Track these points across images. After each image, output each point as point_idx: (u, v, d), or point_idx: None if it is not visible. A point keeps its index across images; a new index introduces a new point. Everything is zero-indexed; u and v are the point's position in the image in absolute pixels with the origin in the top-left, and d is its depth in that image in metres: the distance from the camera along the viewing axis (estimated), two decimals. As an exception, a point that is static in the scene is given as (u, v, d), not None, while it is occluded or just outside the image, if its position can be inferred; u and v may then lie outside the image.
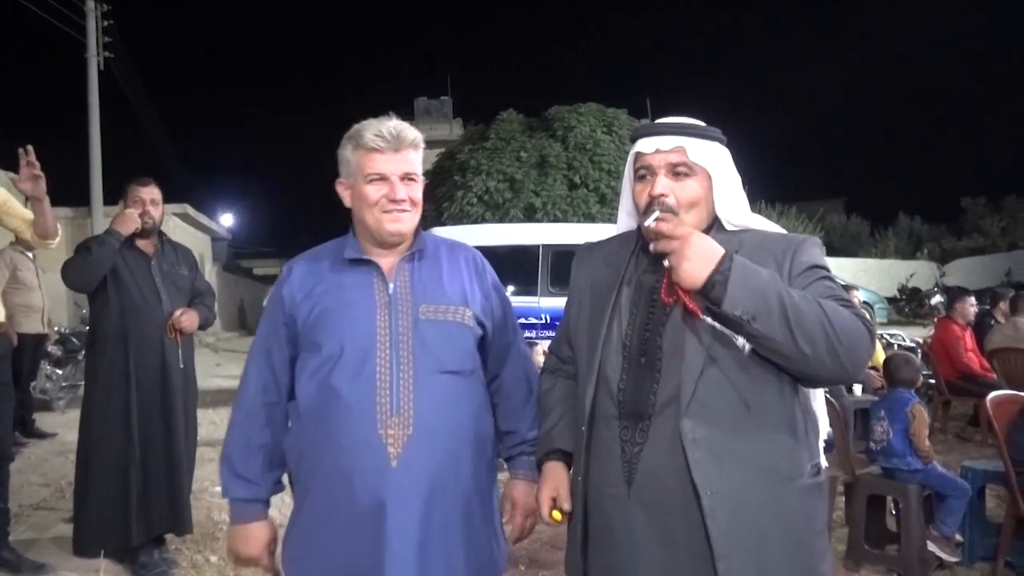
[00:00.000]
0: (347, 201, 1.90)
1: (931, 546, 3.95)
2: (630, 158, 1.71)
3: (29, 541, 4.25)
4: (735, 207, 1.68)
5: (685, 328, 1.54)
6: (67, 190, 17.24)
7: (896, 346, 8.13)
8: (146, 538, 3.76)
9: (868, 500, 4.16)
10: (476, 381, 1.85)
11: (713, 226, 1.67)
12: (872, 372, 6.65)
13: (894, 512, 4.28)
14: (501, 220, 15.82)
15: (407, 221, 1.84)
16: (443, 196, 17.40)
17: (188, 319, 3.85)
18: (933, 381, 7.35)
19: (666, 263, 1.49)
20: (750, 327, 1.42)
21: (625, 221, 1.81)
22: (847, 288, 7.42)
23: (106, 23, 18.88)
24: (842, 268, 21.86)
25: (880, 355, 6.94)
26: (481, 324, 1.88)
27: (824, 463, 1.64)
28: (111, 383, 3.76)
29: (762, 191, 27.60)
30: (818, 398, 1.69)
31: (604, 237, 1.88)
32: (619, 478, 1.57)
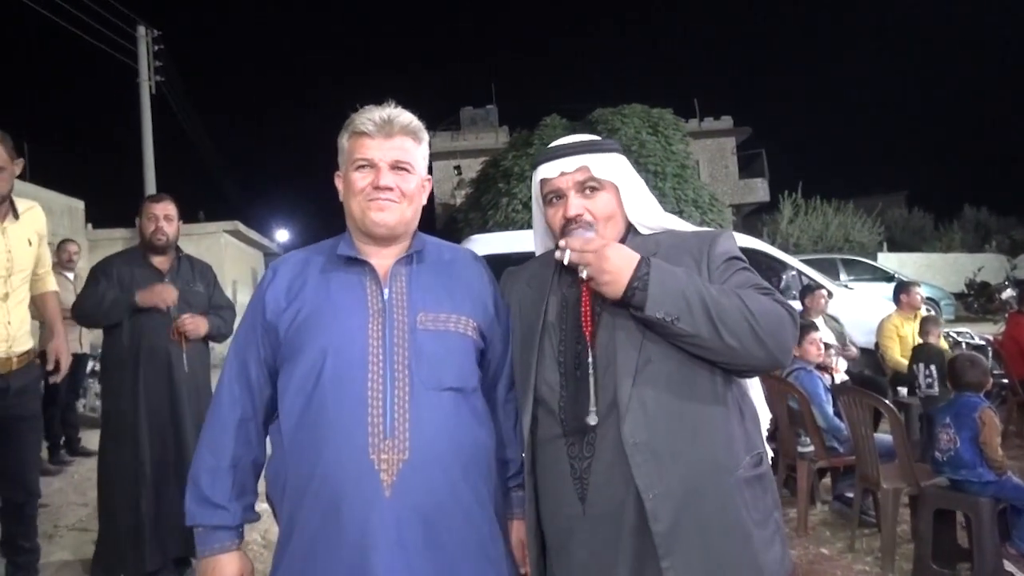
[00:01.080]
0: (341, 194, 1.79)
1: (1008, 565, 3.66)
2: (535, 186, 1.75)
3: (63, 563, 4.26)
4: (646, 211, 1.72)
5: (615, 334, 1.56)
6: (124, 211, 17.83)
7: (964, 344, 7.72)
8: (162, 562, 3.64)
9: (935, 515, 3.88)
10: (478, 399, 1.70)
11: (629, 233, 1.71)
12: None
13: (965, 527, 4.01)
14: (547, 226, 15.67)
15: (393, 212, 1.70)
16: (488, 204, 17.43)
17: (193, 323, 3.74)
18: (1006, 381, 6.97)
19: (583, 274, 1.54)
20: (674, 327, 1.47)
21: (542, 243, 1.85)
22: (910, 284, 7.10)
23: (156, 48, 19.47)
24: (904, 264, 21.12)
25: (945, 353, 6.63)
26: (482, 336, 1.74)
27: (769, 452, 1.67)
28: (120, 404, 3.69)
29: (818, 187, 26.97)
30: (754, 387, 1.72)
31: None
32: (572, 496, 1.57)
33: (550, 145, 1.74)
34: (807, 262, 9.94)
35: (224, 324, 3.95)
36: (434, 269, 1.76)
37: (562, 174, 1.67)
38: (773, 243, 19.92)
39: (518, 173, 17.14)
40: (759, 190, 31.56)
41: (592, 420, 1.54)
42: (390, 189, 1.69)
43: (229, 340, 2.13)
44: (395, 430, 1.55)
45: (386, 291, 1.68)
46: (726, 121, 32.64)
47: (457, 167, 30.33)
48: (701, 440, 1.51)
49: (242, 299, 19.88)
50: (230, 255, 19.23)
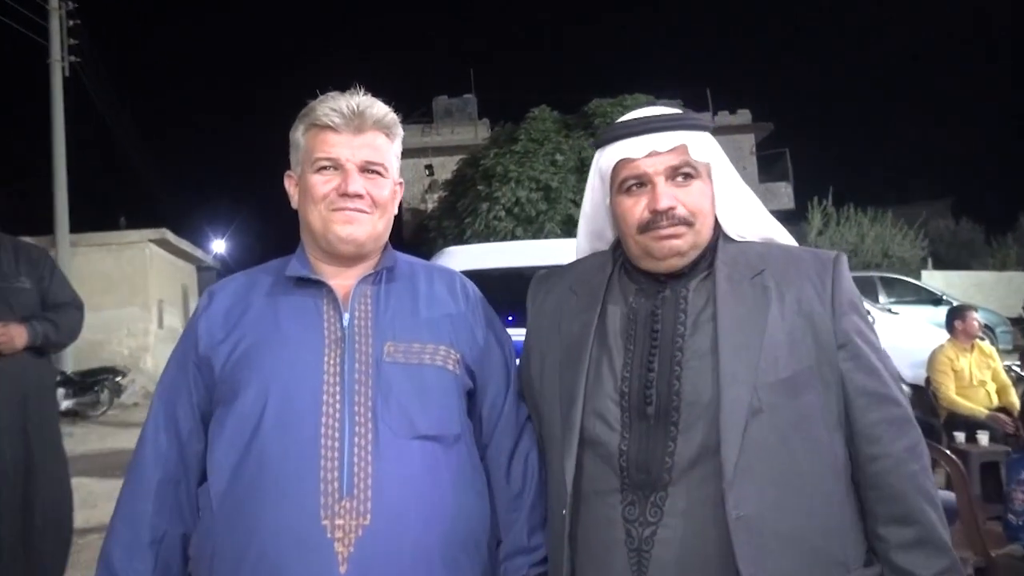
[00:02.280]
0: (294, 200, 1.74)
1: (1095, 650, 3.59)
2: (604, 167, 1.67)
3: None
4: (742, 209, 1.66)
5: (716, 363, 1.47)
6: (29, 216, 17.60)
7: (1029, 380, 7.70)
8: None
9: (1008, 589, 3.80)
10: (463, 451, 1.63)
11: (718, 236, 1.64)
12: (1001, 415, 6.27)
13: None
14: (535, 236, 15.73)
15: (364, 224, 1.65)
16: (466, 209, 17.40)
17: (5, 335, 3.28)
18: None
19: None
20: None
21: (589, 245, 1.79)
22: (965, 309, 7.06)
23: (71, 23, 19.33)
24: (952, 283, 21.28)
25: (1013, 393, 6.57)
26: (470, 372, 1.68)
27: None
28: None
29: (851, 193, 27.19)
30: None
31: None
32: (625, 571, 1.46)
33: (628, 116, 1.65)
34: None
35: (57, 329, 3.54)
36: (407, 289, 1.71)
37: (652, 154, 1.57)
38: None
39: (501, 174, 17.14)
40: (782, 196, 31.80)
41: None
42: (360, 197, 1.64)
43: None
44: (354, 488, 1.49)
45: (346, 316, 1.62)
46: (743, 116, 32.94)
47: (428, 166, 30.36)
48: (816, 523, 1.44)
49: (170, 322, 19.71)
50: (156, 269, 19.05)
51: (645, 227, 1.57)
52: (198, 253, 23.15)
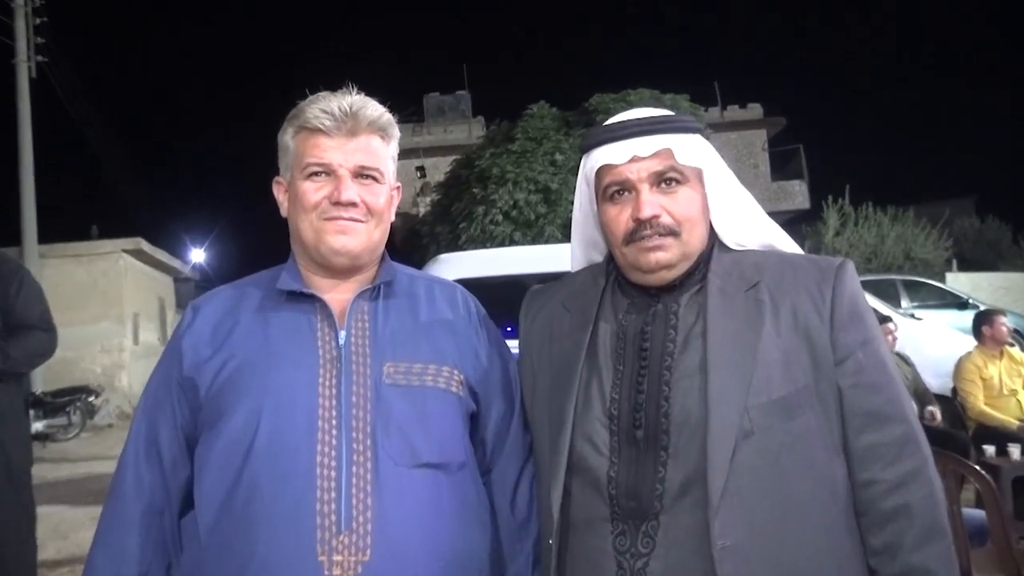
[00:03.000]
0: (283, 208, 1.74)
1: None
2: (587, 176, 1.69)
3: None
4: (738, 215, 1.66)
5: (705, 382, 1.47)
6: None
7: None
8: None
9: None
10: (467, 479, 1.63)
11: (713, 246, 1.64)
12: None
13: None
14: (534, 241, 15.72)
15: (358, 235, 1.65)
16: (460, 213, 17.40)
17: None
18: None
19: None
20: None
21: (584, 254, 1.80)
22: (993, 313, 7.05)
23: (38, 20, 19.35)
24: (978, 286, 21.27)
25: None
26: (473, 394, 1.69)
27: None
28: None
29: (869, 191, 27.19)
30: None
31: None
32: None
33: (612, 120, 1.67)
34: (860, 285, 9.93)
35: (5, 357, 3.48)
36: (407, 306, 1.71)
37: (634, 159, 1.58)
38: (816, 261, 19.94)
39: (497, 175, 17.14)
40: (797, 195, 31.84)
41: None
42: (354, 205, 1.64)
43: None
44: (353, 521, 1.48)
45: (342, 334, 1.62)
46: (755, 110, 33.00)
47: (420, 168, 30.39)
48: (810, 553, 1.43)
49: (146, 338, 19.69)
50: (131, 281, 19.04)
51: (629, 237, 1.58)
52: (175, 263, 23.16)
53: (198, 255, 30.83)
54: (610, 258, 1.71)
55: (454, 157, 20.88)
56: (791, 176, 32.52)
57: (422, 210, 25.42)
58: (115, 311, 18.39)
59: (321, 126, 1.63)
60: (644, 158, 1.58)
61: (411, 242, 21.28)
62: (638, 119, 1.62)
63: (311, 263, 1.69)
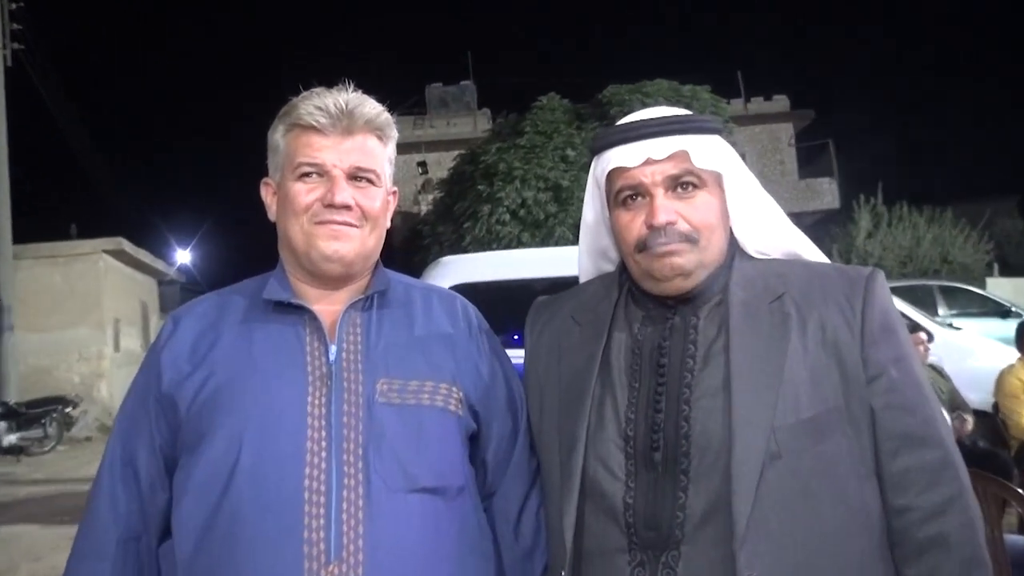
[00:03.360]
0: (271, 211, 1.74)
1: None
2: (598, 179, 1.71)
3: None
4: (761, 222, 1.67)
5: (728, 402, 1.47)
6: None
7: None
8: None
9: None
10: (467, 505, 1.63)
11: (734, 254, 1.65)
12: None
13: None
14: (543, 242, 15.71)
15: (352, 240, 1.65)
16: (464, 212, 17.41)
17: None
18: None
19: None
20: None
21: (593, 264, 1.84)
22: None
23: (14, 5, 19.42)
24: (1021, 292, 21.19)
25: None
26: (473, 413, 1.69)
27: None
28: None
29: (904, 189, 27.11)
30: None
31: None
32: None
33: (624, 120, 1.68)
34: (894, 291, 9.89)
35: None
36: (402, 317, 1.71)
37: (648, 162, 1.59)
38: (846, 264, 19.89)
39: (504, 171, 17.16)
40: (825, 193, 31.81)
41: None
42: (348, 208, 1.64)
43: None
44: (343, 550, 1.48)
45: (333, 348, 1.62)
46: (781, 102, 32.99)
47: (421, 163, 30.46)
48: None
49: (127, 345, 19.73)
50: (111, 284, 19.08)
51: (643, 245, 1.58)
52: (159, 265, 23.21)
53: (184, 256, 30.88)
54: (623, 267, 1.71)
55: (458, 152, 20.92)
56: (820, 173, 32.49)
57: (423, 209, 25.46)
58: (94, 316, 18.43)
59: (315, 123, 1.63)
60: (659, 161, 1.58)
61: (411, 243, 21.30)
62: (652, 119, 1.63)
63: (300, 271, 1.69)
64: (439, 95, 35.47)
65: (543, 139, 17.52)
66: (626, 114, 1.71)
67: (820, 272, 1.62)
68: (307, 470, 1.51)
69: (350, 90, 1.69)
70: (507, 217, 16.84)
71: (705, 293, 1.60)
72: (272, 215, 1.74)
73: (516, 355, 1.87)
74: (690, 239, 1.56)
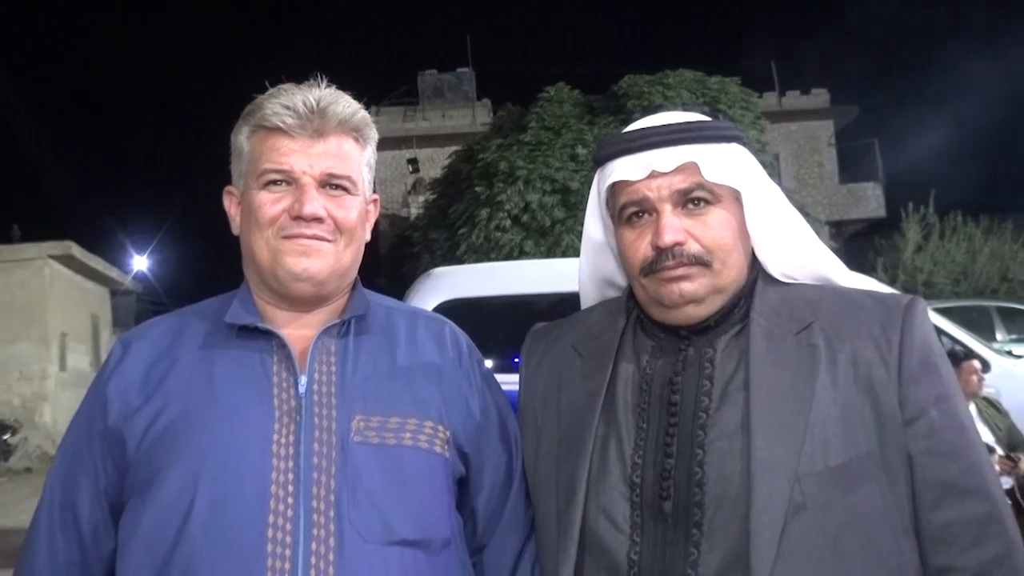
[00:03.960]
0: (234, 224, 1.74)
1: None
2: (600, 194, 1.73)
3: None
4: (786, 241, 1.67)
5: (747, 446, 1.47)
6: None
7: None
8: None
9: None
10: (452, 560, 1.63)
11: (757, 277, 1.66)
12: None
13: None
14: (549, 252, 15.72)
15: (324, 256, 1.65)
16: (460, 217, 17.42)
17: None
18: None
19: None
20: None
21: (596, 290, 1.86)
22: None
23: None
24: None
25: None
26: (463, 455, 1.69)
27: None
28: None
29: (958, 196, 27.10)
30: None
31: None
32: None
33: (629, 128, 1.69)
34: (946, 312, 9.89)
35: None
36: (383, 345, 1.72)
37: (653, 175, 1.60)
38: (893, 283, 19.90)
39: (505, 171, 17.17)
40: (870, 200, 31.84)
41: None
42: (319, 220, 1.64)
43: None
44: None
45: (303, 380, 1.62)
46: (820, 97, 33.04)
47: (412, 160, 30.45)
48: None
49: (75, 363, 19.71)
50: (58, 294, 19.08)
51: (649, 267, 1.59)
52: (113, 273, 23.21)
53: (141, 263, 30.86)
54: (631, 292, 1.72)
55: (454, 148, 20.95)
56: (863, 177, 32.50)
57: (414, 212, 25.47)
58: (38, 330, 18.42)
59: (281, 124, 1.63)
60: (665, 173, 1.59)
61: (399, 251, 21.32)
62: (657, 126, 1.64)
63: (267, 291, 1.70)
64: (433, 83, 35.52)
65: (550, 135, 17.54)
66: (645, 108, 1.73)
67: (853, 299, 1.62)
68: (271, 518, 1.51)
69: (322, 86, 1.69)
70: (508, 223, 16.83)
71: (723, 322, 1.60)
72: (236, 228, 1.74)
73: (517, 380, 1.87)
74: (701, 261, 1.57)
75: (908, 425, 1.49)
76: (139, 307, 28.58)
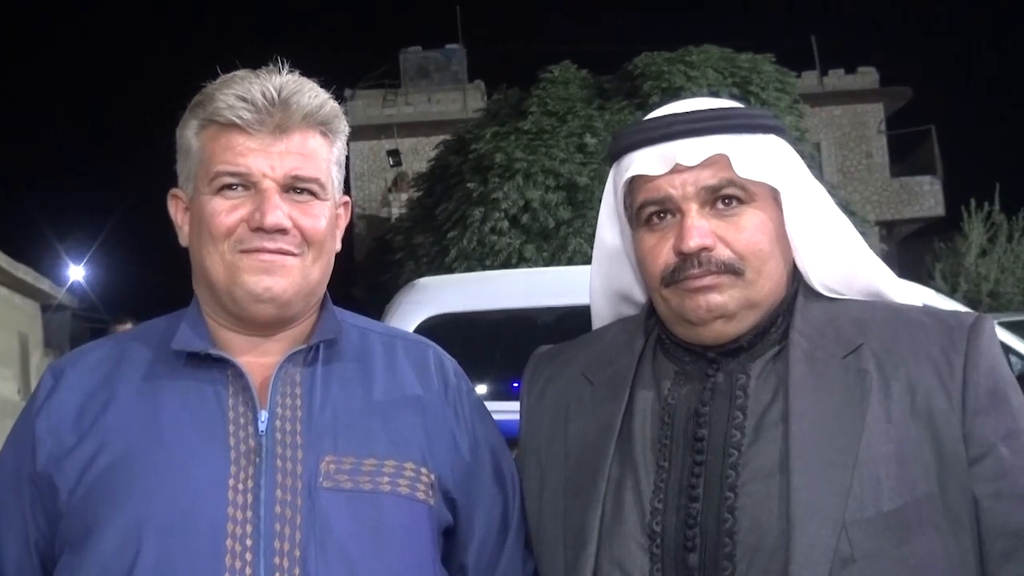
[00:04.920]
0: (182, 235, 1.74)
1: None
2: (617, 191, 1.73)
3: None
4: (832, 249, 1.66)
5: (786, 488, 1.47)
6: None
7: None
8: None
9: None
10: None
11: (797, 289, 1.65)
12: None
13: None
14: (553, 258, 15.77)
15: (290, 273, 1.65)
16: (450, 218, 17.44)
17: None
18: None
19: None
20: None
21: (610, 307, 1.86)
22: None
23: None
24: None
25: None
26: (449, 501, 1.69)
27: None
28: None
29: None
30: None
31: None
32: None
33: (651, 116, 1.70)
34: (1015, 327, 9.85)
35: None
36: (356, 374, 1.72)
37: (676, 170, 1.59)
38: (953, 292, 19.92)
39: (502, 164, 17.19)
40: (926, 196, 31.90)
41: None
42: (283, 232, 1.63)
43: None
44: None
45: (264, 415, 1.62)
46: (868, 76, 33.14)
47: (393, 152, 30.53)
48: None
49: (1, 391, 19.69)
50: (-18, 309, 19.08)
51: (671, 276, 1.58)
52: (44, 285, 23.22)
53: (77, 273, 30.83)
54: (651, 308, 1.72)
55: (442, 137, 20.99)
56: (919, 170, 32.59)
57: (395, 212, 25.51)
58: (-42, 351, 18.44)
59: (237, 119, 1.62)
60: (690, 168, 1.58)
61: (378, 257, 21.36)
62: (683, 112, 1.64)
63: (222, 312, 1.69)
64: (417, 62, 35.63)
65: (554, 122, 17.57)
66: (664, 90, 1.73)
67: (910, 318, 1.62)
68: None
69: (284, 73, 1.68)
70: (505, 224, 16.85)
71: (759, 343, 1.61)
72: (184, 239, 1.73)
73: (516, 410, 1.87)
74: (733, 269, 1.57)
75: (974, 464, 1.49)
76: (75, 325, 28.57)
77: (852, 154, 32.07)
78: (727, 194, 1.59)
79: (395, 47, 36.21)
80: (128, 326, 5.88)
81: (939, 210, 31.22)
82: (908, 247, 30.87)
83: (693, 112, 1.63)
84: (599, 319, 1.86)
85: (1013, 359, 8.21)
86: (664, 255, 1.60)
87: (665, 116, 1.65)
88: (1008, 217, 25.32)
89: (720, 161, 1.58)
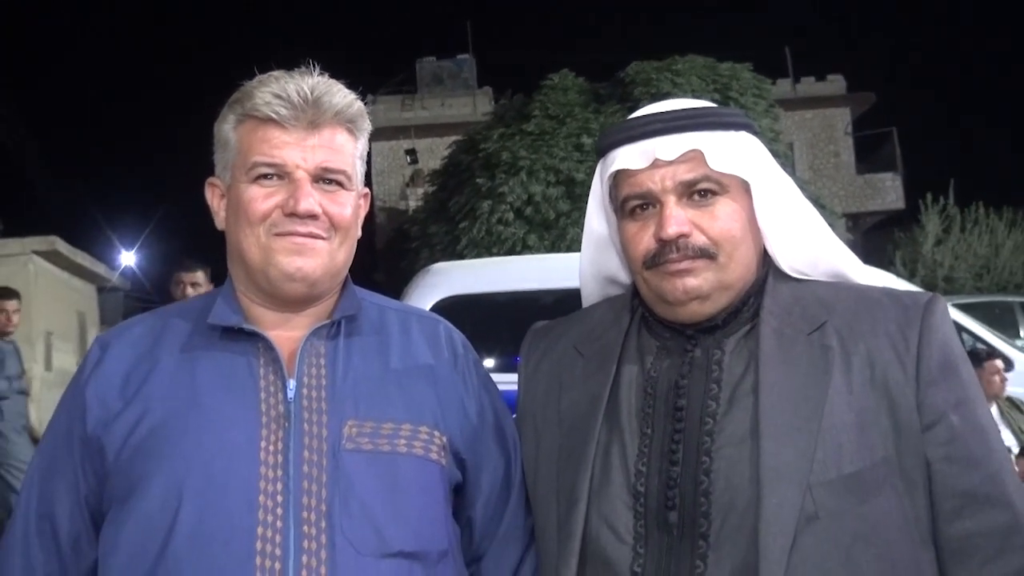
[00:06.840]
0: (219, 219, 1.73)
1: None
2: (603, 185, 1.72)
3: None
4: (798, 234, 1.65)
5: (756, 452, 1.47)
6: None
7: None
8: None
9: None
10: (450, 571, 1.63)
11: (767, 273, 1.65)
12: None
13: None
14: (554, 246, 15.72)
15: (319, 255, 1.64)
16: (461, 210, 17.41)
17: None
18: None
19: None
20: None
21: (598, 288, 1.85)
22: None
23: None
24: None
25: None
26: (460, 461, 1.68)
27: None
28: None
29: (981, 187, 27.05)
30: None
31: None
32: None
33: (633, 116, 1.69)
34: (966, 308, 9.87)
35: None
36: (375, 347, 1.71)
37: (656, 164, 1.59)
38: (912, 277, 19.88)
39: (508, 162, 17.16)
40: (888, 191, 31.79)
41: None
42: (314, 217, 1.63)
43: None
44: None
45: (292, 384, 1.61)
46: (836, 83, 32.99)
47: (410, 151, 30.44)
48: None
49: (61, 363, 19.69)
50: (43, 291, 19.06)
51: (652, 260, 1.58)
52: (100, 269, 23.16)
53: (129, 258, 30.78)
54: (635, 290, 1.71)
55: (454, 138, 20.93)
56: (882, 168, 32.46)
57: (412, 205, 25.48)
58: (22, 328, 18.23)
59: (273, 115, 1.62)
60: (669, 163, 1.58)
61: (397, 245, 21.32)
62: (660, 112, 1.63)
63: (255, 291, 1.68)
64: (432, 71, 35.47)
65: (554, 124, 17.52)
66: (653, 95, 1.73)
67: (870, 297, 1.61)
68: (259, 531, 1.50)
69: (315, 74, 1.67)
70: (511, 216, 16.82)
71: (732, 321, 1.60)
72: (220, 223, 1.72)
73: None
74: (707, 254, 1.56)
75: (926, 431, 1.48)
76: (127, 304, 28.53)
77: (822, 153, 31.95)
78: (702, 188, 1.59)
79: (412, 58, 36.05)
80: (199, 274, 5.70)
81: (900, 204, 31.09)
82: (872, 237, 30.78)
83: (670, 112, 1.62)
84: (588, 298, 1.86)
85: (965, 336, 8.22)
86: (646, 242, 1.60)
87: (645, 116, 1.65)
88: (961, 210, 25.20)
89: (695, 156, 1.58)
